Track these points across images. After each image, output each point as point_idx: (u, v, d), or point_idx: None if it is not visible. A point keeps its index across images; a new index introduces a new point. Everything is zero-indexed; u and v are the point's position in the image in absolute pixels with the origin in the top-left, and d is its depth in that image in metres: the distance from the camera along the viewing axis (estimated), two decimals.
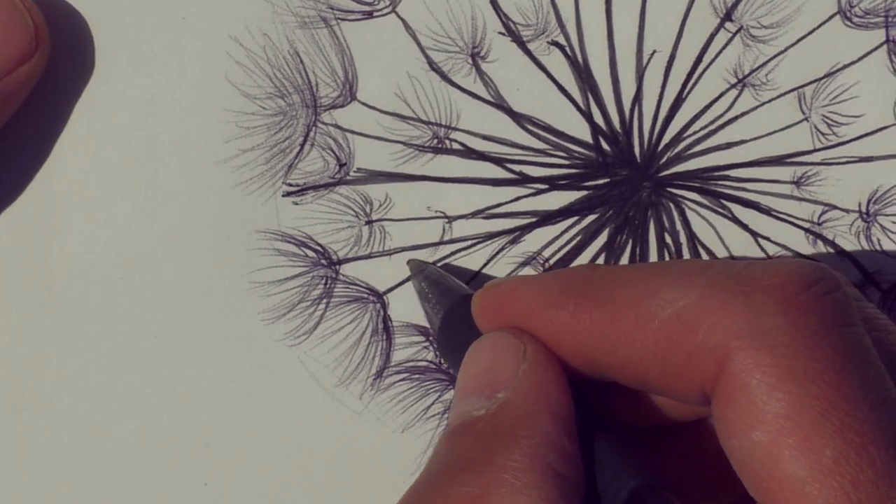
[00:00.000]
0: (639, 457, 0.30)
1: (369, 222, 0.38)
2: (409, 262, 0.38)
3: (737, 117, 0.38)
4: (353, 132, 0.38)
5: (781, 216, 0.39)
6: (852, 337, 0.28)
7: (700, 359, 0.28)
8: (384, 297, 0.38)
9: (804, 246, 0.39)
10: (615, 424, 0.32)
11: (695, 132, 0.38)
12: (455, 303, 0.35)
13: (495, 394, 0.31)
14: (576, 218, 0.38)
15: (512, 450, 0.29)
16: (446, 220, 0.38)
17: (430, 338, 0.38)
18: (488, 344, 0.32)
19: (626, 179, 0.38)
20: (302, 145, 0.38)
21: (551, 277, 0.32)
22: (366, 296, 0.38)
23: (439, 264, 0.38)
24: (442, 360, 0.38)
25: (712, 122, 0.38)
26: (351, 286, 0.38)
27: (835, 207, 0.39)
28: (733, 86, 0.38)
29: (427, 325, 0.38)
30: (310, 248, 0.38)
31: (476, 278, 0.38)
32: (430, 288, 0.36)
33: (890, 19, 0.38)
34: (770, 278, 0.29)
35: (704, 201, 0.39)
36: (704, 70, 0.38)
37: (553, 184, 0.38)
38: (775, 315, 0.28)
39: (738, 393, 0.28)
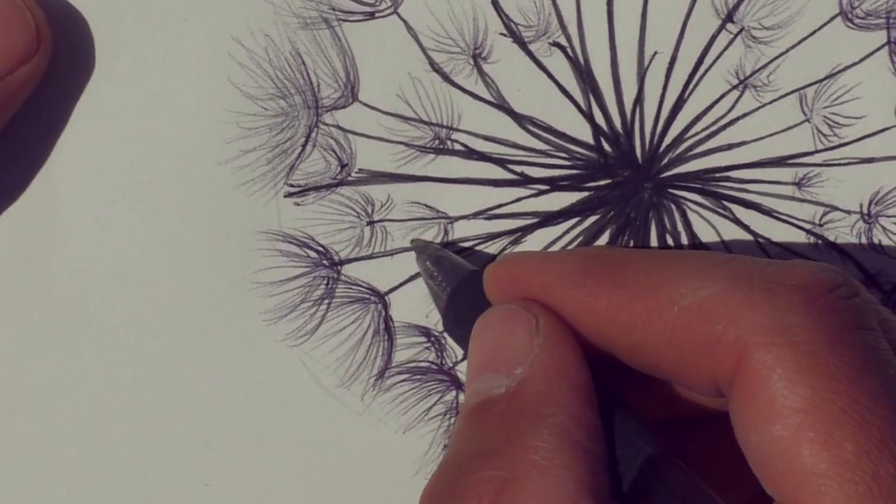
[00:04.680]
0: (651, 427, 0.30)
1: (371, 223, 0.38)
2: (412, 241, 0.38)
3: (738, 118, 0.38)
4: (354, 133, 0.38)
5: (783, 217, 0.39)
6: (870, 337, 0.28)
7: (718, 350, 0.28)
8: (386, 298, 0.38)
9: (805, 247, 0.39)
10: (624, 397, 0.32)
11: (696, 133, 0.38)
12: (462, 279, 0.35)
13: (513, 370, 0.30)
14: (577, 219, 0.38)
15: (539, 430, 0.29)
16: (448, 221, 0.38)
17: (432, 338, 0.38)
18: (498, 317, 0.32)
19: (628, 180, 0.38)
20: (303, 146, 0.38)
21: (569, 255, 0.32)
22: (367, 296, 0.38)
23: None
24: (447, 338, 0.38)
25: (714, 124, 0.38)
26: (352, 287, 0.38)
27: (836, 209, 0.39)
28: (735, 87, 0.38)
29: (428, 326, 0.38)
30: (311, 248, 0.38)
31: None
32: (434, 266, 0.36)
33: (891, 20, 0.38)
34: (794, 278, 0.29)
35: (706, 202, 0.39)
36: (706, 71, 0.38)
37: (554, 185, 0.38)
38: (798, 313, 0.28)
39: (758, 387, 0.28)
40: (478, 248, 0.38)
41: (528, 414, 0.29)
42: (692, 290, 0.29)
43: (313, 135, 0.38)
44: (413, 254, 0.38)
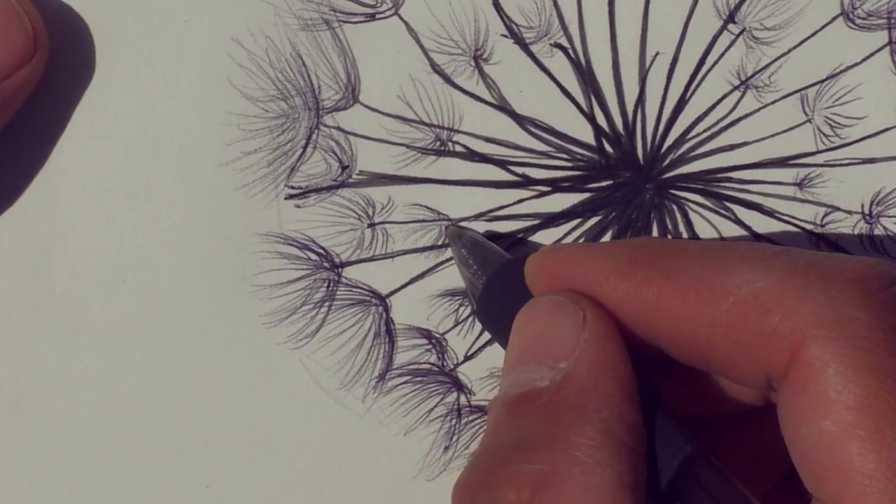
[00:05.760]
0: (690, 426, 0.30)
1: (372, 225, 0.38)
2: (447, 228, 0.38)
3: (740, 119, 0.38)
4: (355, 135, 0.38)
5: (784, 218, 0.39)
6: None
7: (773, 342, 0.28)
8: (387, 300, 0.38)
9: (807, 248, 0.38)
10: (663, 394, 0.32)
11: (698, 134, 0.38)
12: (499, 269, 0.35)
13: (557, 363, 0.30)
14: (579, 220, 0.38)
15: (582, 426, 0.29)
16: (449, 223, 0.38)
17: (433, 340, 0.38)
18: (544, 308, 0.31)
19: (629, 181, 0.38)
20: (304, 148, 0.38)
21: (617, 246, 0.32)
22: (368, 299, 0.38)
23: (481, 231, 0.38)
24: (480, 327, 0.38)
25: (715, 124, 0.38)
26: (353, 289, 0.38)
27: (838, 209, 0.39)
28: (736, 87, 0.38)
29: (429, 328, 0.38)
30: (312, 251, 0.38)
31: (514, 248, 0.38)
32: (470, 254, 0.36)
33: (893, 21, 0.38)
34: (851, 272, 0.29)
35: (707, 203, 0.38)
36: (707, 72, 0.38)
37: (556, 186, 0.38)
38: (856, 307, 0.28)
39: (812, 381, 0.27)
40: None
41: (572, 409, 0.29)
42: (747, 281, 0.29)
43: (314, 136, 0.38)
44: (414, 256, 0.38)
